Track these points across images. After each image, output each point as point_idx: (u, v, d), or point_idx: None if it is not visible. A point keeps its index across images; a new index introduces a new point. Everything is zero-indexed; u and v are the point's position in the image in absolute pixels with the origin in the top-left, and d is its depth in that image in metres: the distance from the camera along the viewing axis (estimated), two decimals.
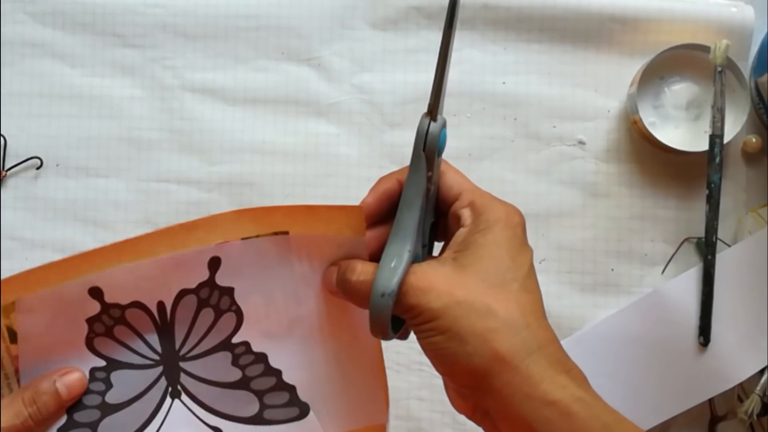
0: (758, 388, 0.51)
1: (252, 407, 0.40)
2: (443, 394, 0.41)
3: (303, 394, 0.41)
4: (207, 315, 0.39)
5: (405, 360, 0.55)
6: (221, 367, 0.40)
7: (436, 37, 0.57)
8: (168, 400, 0.40)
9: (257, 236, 0.37)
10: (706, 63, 0.53)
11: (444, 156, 0.38)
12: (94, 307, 0.38)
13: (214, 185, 0.57)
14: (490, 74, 0.57)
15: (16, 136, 0.58)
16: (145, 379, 0.39)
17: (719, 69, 0.52)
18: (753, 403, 0.51)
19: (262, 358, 0.40)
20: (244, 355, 0.40)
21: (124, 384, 0.39)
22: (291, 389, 0.40)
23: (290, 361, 0.40)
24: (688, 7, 0.55)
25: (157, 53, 0.58)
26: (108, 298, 0.37)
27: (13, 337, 0.38)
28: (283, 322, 0.39)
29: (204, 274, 0.38)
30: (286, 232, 0.38)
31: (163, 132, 0.58)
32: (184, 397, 0.40)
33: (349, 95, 0.57)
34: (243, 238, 0.37)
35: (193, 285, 0.38)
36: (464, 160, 0.56)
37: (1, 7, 0.59)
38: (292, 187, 0.57)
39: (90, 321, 0.38)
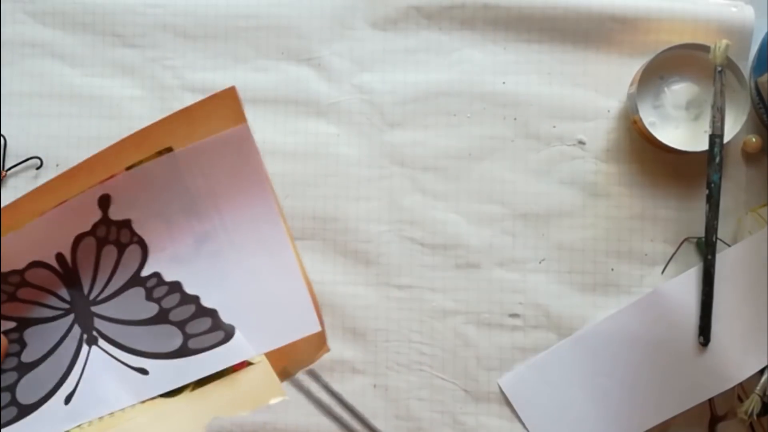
0: (758, 388, 0.51)
1: (175, 340, 0.39)
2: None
3: (225, 316, 0.39)
4: (109, 252, 0.38)
5: (405, 360, 0.55)
6: (136, 305, 0.38)
7: (437, 37, 0.57)
8: (84, 348, 0.38)
9: (141, 162, 0.37)
10: (706, 63, 0.53)
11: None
12: None
13: None
14: (490, 74, 0.57)
15: (16, 136, 0.58)
16: (58, 330, 0.38)
17: (719, 69, 0.52)
18: (753, 403, 0.51)
19: (176, 286, 0.39)
20: (157, 287, 0.39)
21: (37, 340, 0.38)
22: (212, 313, 0.39)
23: (206, 283, 0.39)
24: (688, 7, 0.55)
25: (157, 53, 0.58)
26: (3, 268, 0.36)
27: None
28: (188, 243, 0.38)
29: (97, 214, 0.37)
30: (170, 149, 0.37)
31: None
32: (101, 342, 0.38)
33: (349, 95, 0.57)
34: (127, 168, 0.36)
35: (88, 227, 0.37)
36: (464, 160, 0.56)
37: (1, 7, 0.59)
38: (292, 186, 0.57)
39: None
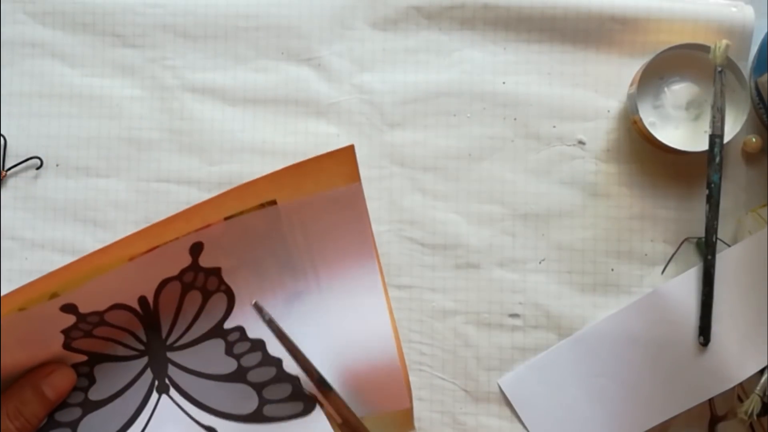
0: (758, 388, 0.51)
1: (250, 403, 0.36)
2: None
3: (308, 384, 0.37)
4: (194, 298, 0.35)
5: (405, 360, 0.55)
6: (214, 357, 0.36)
7: (436, 37, 0.57)
8: (155, 395, 0.36)
9: (242, 213, 0.34)
10: (706, 63, 0.53)
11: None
12: (69, 320, 0.34)
13: (214, 185, 0.57)
14: (490, 74, 0.57)
15: (16, 136, 0.58)
16: (130, 372, 0.36)
17: (719, 69, 0.52)
18: (753, 403, 0.51)
19: (259, 345, 0.36)
20: (238, 342, 0.36)
21: (107, 378, 0.36)
22: (294, 380, 0.36)
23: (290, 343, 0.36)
24: (688, 7, 0.55)
25: (157, 53, 0.58)
26: (83, 309, 0.34)
27: None
28: (279, 301, 0.36)
29: (186, 260, 0.35)
30: (274, 202, 0.34)
31: (163, 132, 0.58)
32: (172, 392, 0.36)
33: (349, 95, 0.57)
34: (226, 218, 0.34)
35: (175, 273, 0.35)
36: (464, 160, 0.56)
37: (1, 7, 0.59)
38: None
39: (66, 331, 0.35)
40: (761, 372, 0.52)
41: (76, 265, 0.33)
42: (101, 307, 0.35)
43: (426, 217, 0.56)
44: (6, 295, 0.33)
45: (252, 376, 0.36)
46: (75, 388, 0.36)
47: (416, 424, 0.55)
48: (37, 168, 0.58)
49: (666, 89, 0.54)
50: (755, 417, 0.51)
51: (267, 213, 0.34)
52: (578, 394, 0.54)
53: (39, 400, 0.35)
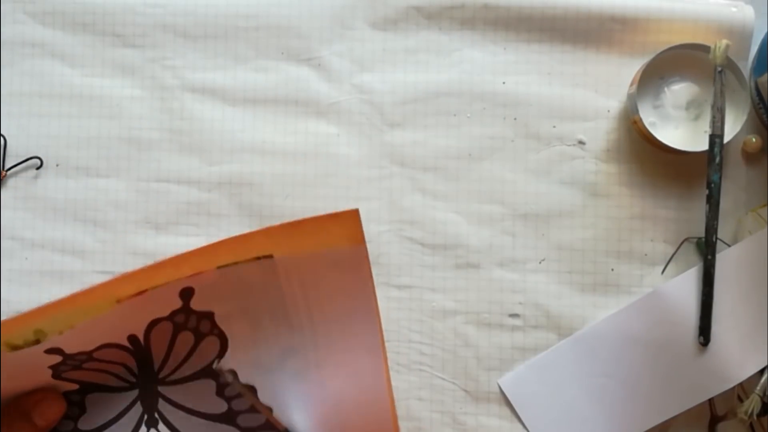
0: (758, 388, 0.51)
1: None
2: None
3: None
4: (186, 338, 0.35)
5: (405, 360, 0.55)
6: (205, 396, 0.36)
7: (436, 37, 0.57)
8: (143, 429, 0.36)
9: (236, 263, 0.33)
10: (706, 63, 0.53)
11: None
12: (56, 359, 0.34)
13: (214, 185, 0.57)
14: (490, 74, 0.57)
15: (16, 136, 0.58)
16: (120, 403, 0.35)
17: (719, 69, 0.52)
18: (753, 403, 0.51)
19: (250, 390, 0.36)
20: (230, 385, 0.36)
21: (98, 408, 0.36)
22: (283, 430, 0.36)
23: (282, 399, 0.36)
24: (688, 7, 0.55)
25: (157, 53, 0.58)
26: (69, 351, 0.34)
27: None
28: (273, 353, 0.35)
29: (177, 303, 0.34)
30: (270, 256, 0.33)
31: (163, 132, 0.58)
32: (161, 426, 0.36)
33: (349, 95, 0.57)
34: (219, 267, 0.33)
35: (165, 314, 0.34)
36: (464, 160, 0.56)
37: (1, 7, 0.59)
38: (292, 187, 0.57)
39: (54, 367, 0.34)
40: (761, 372, 0.52)
41: (60, 304, 0.32)
42: (88, 348, 0.34)
43: (426, 217, 0.56)
44: None
45: (241, 420, 0.36)
46: (65, 417, 0.35)
47: (416, 424, 0.55)
48: (37, 168, 0.58)
49: (666, 89, 0.54)
50: (755, 417, 0.51)
51: (262, 265, 0.33)
52: (578, 394, 0.54)
53: (29, 428, 0.34)
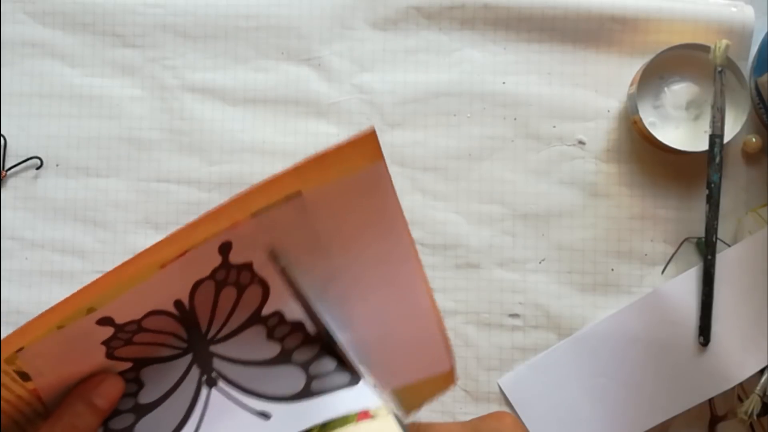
0: (758, 388, 0.51)
1: (298, 382, 0.36)
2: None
3: (351, 357, 0.36)
4: (228, 293, 0.35)
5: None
6: (256, 344, 0.36)
7: (436, 37, 0.57)
8: (204, 390, 0.36)
9: (268, 208, 0.34)
10: (706, 63, 0.53)
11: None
12: (108, 331, 0.34)
13: (214, 185, 0.57)
14: (490, 74, 0.57)
15: (16, 136, 0.58)
16: (176, 371, 0.36)
17: (719, 69, 0.52)
18: (753, 403, 0.51)
19: (299, 326, 0.36)
20: (278, 326, 0.36)
21: (155, 381, 0.36)
22: (338, 354, 0.36)
23: (330, 324, 0.36)
24: (688, 7, 0.55)
25: (157, 53, 0.58)
26: (120, 320, 0.34)
27: (25, 377, 0.35)
28: (315, 284, 0.36)
29: (217, 260, 0.34)
30: (299, 192, 0.34)
31: (163, 132, 0.58)
32: (221, 383, 0.36)
33: (349, 95, 0.57)
34: (253, 215, 0.34)
35: (207, 273, 0.35)
36: (464, 160, 0.56)
37: (1, 7, 0.59)
38: None
39: (106, 342, 0.35)
40: (761, 372, 0.52)
41: (108, 278, 0.32)
42: (137, 316, 0.34)
43: (426, 217, 0.56)
44: (42, 314, 0.33)
45: (296, 355, 0.36)
46: (124, 395, 0.36)
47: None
48: (37, 168, 0.58)
49: (666, 89, 0.54)
50: (755, 417, 0.51)
51: (293, 205, 0.34)
52: (578, 394, 0.54)
53: (91, 411, 0.35)
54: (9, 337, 0.33)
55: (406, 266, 0.34)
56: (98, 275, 0.33)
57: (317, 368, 0.36)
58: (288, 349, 0.36)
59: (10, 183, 0.58)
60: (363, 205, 0.35)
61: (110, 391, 0.35)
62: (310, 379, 0.36)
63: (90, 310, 0.33)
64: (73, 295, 0.33)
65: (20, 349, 0.33)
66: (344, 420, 0.35)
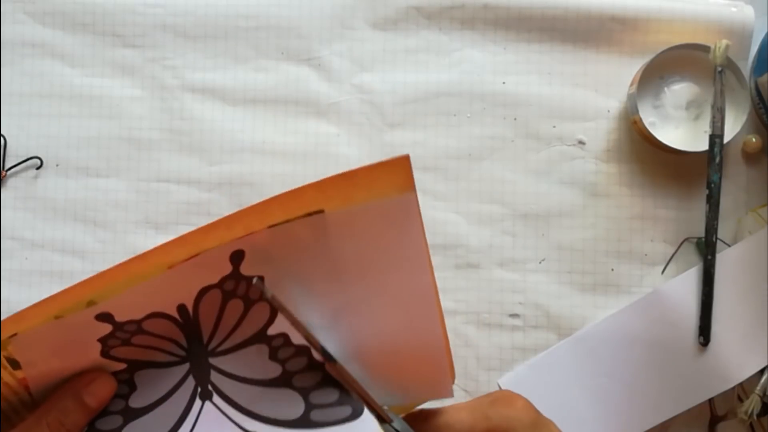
0: (758, 388, 0.51)
1: (296, 408, 0.35)
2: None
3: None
4: (235, 306, 0.34)
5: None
6: (258, 362, 0.35)
7: (436, 37, 0.57)
8: (197, 402, 0.35)
9: (287, 221, 0.32)
10: (706, 63, 0.53)
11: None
12: (106, 328, 0.33)
13: (214, 185, 0.57)
14: (490, 74, 0.57)
15: (16, 136, 0.58)
16: (171, 378, 0.35)
17: (719, 69, 0.52)
18: (753, 403, 0.51)
19: (304, 351, 0.35)
20: (283, 348, 0.35)
21: (148, 385, 0.35)
22: (341, 385, 0.35)
23: (337, 355, 0.35)
24: (688, 7, 0.55)
25: (157, 53, 0.58)
26: (120, 318, 0.33)
27: (15, 365, 0.34)
28: (326, 312, 0.34)
29: (227, 268, 0.33)
30: (321, 211, 0.32)
31: (163, 132, 0.58)
32: (216, 398, 0.35)
33: (349, 95, 0.57)
34: (270, 226, 0.32)
35: (215, 281, 0.33)
36: (464, 160, 0.56)
37: (1, 7, 0.59)
38: (292, 186, 0.56)
39: (103, 339, 0.34)
40: (761, 372, 0.52)
41: (113, 272, 0.31)
42: (138, 316, 0.33)
43: (426, 217, 0.56)
44: (41, 302, 0.32)
45: (297, 381, 0.35)
46: (115, 396, 0.35)
47: None
48: (37, 168, 0.58)
49: (666, 89, 0.54)
50: (755, 417, 0.51)
51: (313, 222, 0.32)
52: (578, 394, 0.54)
53: (80, 409, 0.34)
54: (4, 321, 0.33)
55: (424, 303, 0.33)
56: None
57: (318, 398, 0.35)
58: (289, 372, 0.35)
59: (10, 183, 0.58)
60: (387, 235, 0.33)
61: (102, 390, 0.34)
62: (309, 407, 0.35)
63: (90, 303, 0.32)
64: (76, 286, 0.32)
65: (14, 335, 0.33)
66: None
